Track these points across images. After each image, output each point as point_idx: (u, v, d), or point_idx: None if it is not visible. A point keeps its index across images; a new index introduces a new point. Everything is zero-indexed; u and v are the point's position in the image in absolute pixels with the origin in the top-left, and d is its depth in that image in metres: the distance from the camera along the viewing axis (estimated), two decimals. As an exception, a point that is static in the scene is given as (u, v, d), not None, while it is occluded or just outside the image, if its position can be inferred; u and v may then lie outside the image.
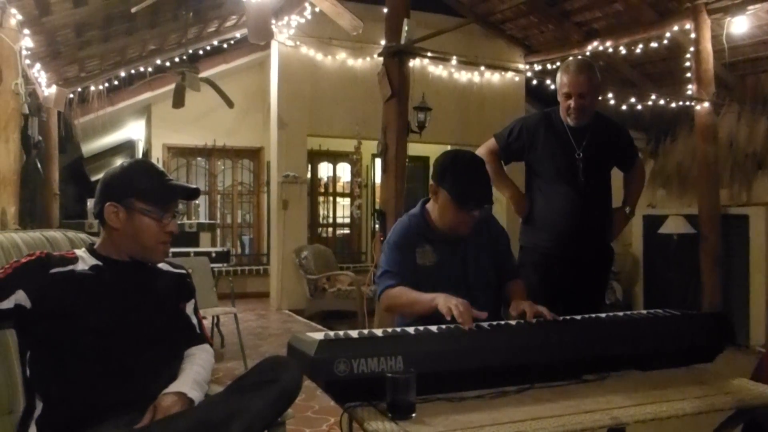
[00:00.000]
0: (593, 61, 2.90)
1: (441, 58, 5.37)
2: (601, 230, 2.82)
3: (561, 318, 1.98)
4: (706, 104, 5.77)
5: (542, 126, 2.79)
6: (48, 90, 6.02)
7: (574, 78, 2.65)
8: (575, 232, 2.68)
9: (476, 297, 2.18)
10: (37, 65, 5.57)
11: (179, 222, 8.13)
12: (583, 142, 2.73)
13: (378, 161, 6.69)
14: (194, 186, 1.90)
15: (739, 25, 5.88)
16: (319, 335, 1.66)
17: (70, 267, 1.69)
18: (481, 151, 2.84)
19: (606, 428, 1.54)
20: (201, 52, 7.79)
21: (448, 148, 7.27)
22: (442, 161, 2.25)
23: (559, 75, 2.73)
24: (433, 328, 1.83)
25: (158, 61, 7.25)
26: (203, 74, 6.72)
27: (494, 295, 2.32)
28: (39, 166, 6.31)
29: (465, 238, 2.27)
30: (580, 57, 2.90)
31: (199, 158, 9.42)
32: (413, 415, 1.47)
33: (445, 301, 1.93)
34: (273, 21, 7.06)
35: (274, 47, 7.93)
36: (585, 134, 2.73)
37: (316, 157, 9.40)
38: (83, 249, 1.79)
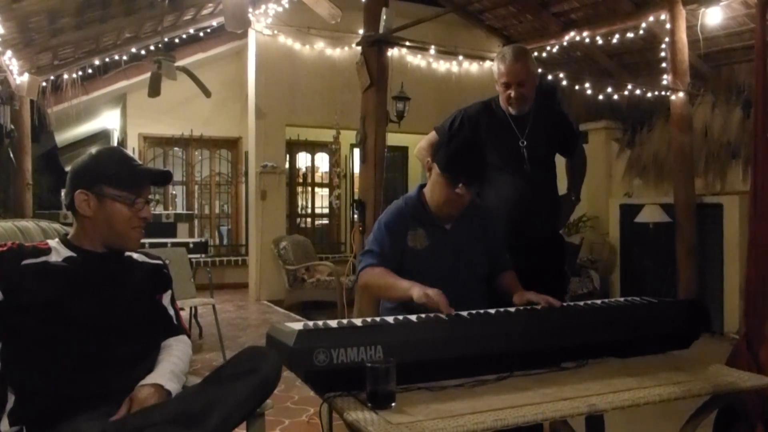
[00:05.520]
0: (526, 47, 2.86)
1: (420, 47, 5.35)
2: (550, 217, 2.82)
3: (565, 304, 2.00)
4: (682, 94, 5.83)
5: (484, 115, 2.76)
6: (20, 78, 5.90)
7: (511, 67, 2.63)
8: (525, 220, 2.66)
9: (466, 286, 2.21)
10: (9, 53, 5.46)
11: (154, 212, 8.09)
12: (526, 129, 2.71)
13: (357, 151, 6.67)
14: (164, 169, 1.88)
15: (714, 17, 5.95)
16: (298, 325, 1.65)
17: (43, 258, 1.66)
18: (422, 145, 2.82)
19: (584, 415, 1.56)
20: (177, 40, 7.68)
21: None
22: (441, 139, 2.28)
23: (495, 64, 2.70)
24: (413, 317, 1.83)
25: (134, 50, 7.12)
26: (180, 63, 6.62)
27: (485, 286, 2.32)
28: (11, 155, 6.20)
29: (459, 227, 2.28)
30: (515, 44, 2.86)
31: (176, 148, 9.33)
32: (393, 404, 1.47)
33: (421, 291, 1.94)
34: (250, 9, 6.99)
35: (252, 36, 7.85)
36: (527, 122, 2.72)
37: (294, 147, 9.35)
38: (56, 240, 1.75)
